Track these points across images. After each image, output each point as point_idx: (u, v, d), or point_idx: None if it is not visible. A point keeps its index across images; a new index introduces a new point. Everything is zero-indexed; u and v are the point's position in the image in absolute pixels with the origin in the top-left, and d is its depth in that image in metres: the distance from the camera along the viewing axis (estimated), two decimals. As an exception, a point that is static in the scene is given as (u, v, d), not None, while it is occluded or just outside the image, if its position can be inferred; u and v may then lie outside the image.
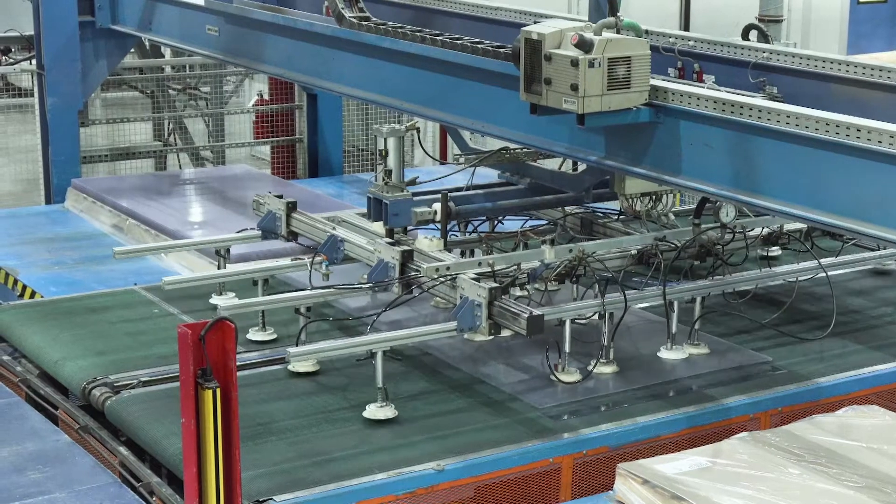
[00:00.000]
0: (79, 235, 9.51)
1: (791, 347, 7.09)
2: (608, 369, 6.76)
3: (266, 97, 13.11)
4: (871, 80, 6.68)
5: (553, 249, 6.96)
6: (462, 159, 8.17)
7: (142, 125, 12.70)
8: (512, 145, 7.67)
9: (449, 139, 12.88)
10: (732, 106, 5.58)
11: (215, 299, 7.56)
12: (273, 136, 12.40)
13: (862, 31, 18.61)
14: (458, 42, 6.86)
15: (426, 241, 7.14)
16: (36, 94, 10.81)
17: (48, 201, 10.65)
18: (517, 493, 5.77)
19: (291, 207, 7.79)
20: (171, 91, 12.99)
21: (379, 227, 7.34)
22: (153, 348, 6.91)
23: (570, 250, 6.97)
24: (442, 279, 6.65)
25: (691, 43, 7.53)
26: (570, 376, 6.65)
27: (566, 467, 5.86)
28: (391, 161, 7.26)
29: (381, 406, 6.20)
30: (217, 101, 13.08)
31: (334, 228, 7.46)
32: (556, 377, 6.63)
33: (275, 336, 7.13)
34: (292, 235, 7.81)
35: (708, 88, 6.50)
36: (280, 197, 7.85)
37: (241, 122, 14.48)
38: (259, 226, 7.96)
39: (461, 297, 6.46)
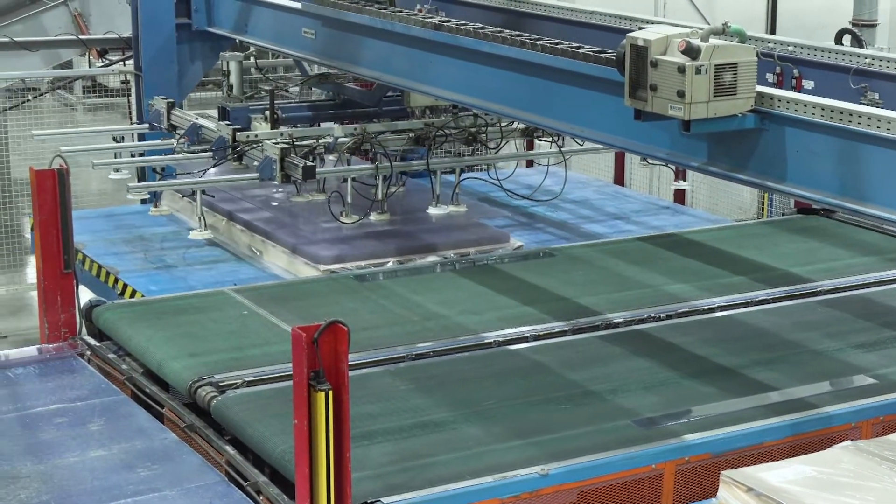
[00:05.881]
0: (175, 235, 9.65)
1: (884, 356, 7.05)
2: (382, 217, 9.50)
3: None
4: (977, 87, 6.63)
5: (341, 127, 9.61)
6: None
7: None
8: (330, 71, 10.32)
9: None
10: (840, 113, 5.55)
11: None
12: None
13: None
14: (559, 47, 6.88)
15: (257, 124, 9.89)
16: (133, 95, 10.98)
17: (143, 201, 10.79)
18: (620, 499, 5.77)
19: (171, 105, 10.07)
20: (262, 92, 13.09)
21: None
22: (249, 350, 6.97)
23: (355, 129, 9.52)
24: (253, 145, 9.13)
25: (790, 48, 7.49)
26: (350, 219, 9.26)
27: (668, 473, 5.86)
28: (233, 79, 10.40)
29: (201, 231, 9.40)
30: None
31: (196, 118, 9.76)
32: (338, 220, 9.23)
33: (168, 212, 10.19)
34: (171, 127, 10.01)
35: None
36: (164, 98, 10.08)
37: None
38: (147, 119, 10.32)
39: (265, 157, 8.91)
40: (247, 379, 6.51)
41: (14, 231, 12.42)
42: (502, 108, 7.52)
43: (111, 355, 7.14)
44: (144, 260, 9.06)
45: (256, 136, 9.28)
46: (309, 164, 8.73)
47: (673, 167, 11.12)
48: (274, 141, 9.04)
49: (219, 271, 8.83)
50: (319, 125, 10.43)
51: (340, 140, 9.40)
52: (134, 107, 11.04)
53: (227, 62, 10.43)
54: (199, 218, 9.42)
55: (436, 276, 8.30)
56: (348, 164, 9.68)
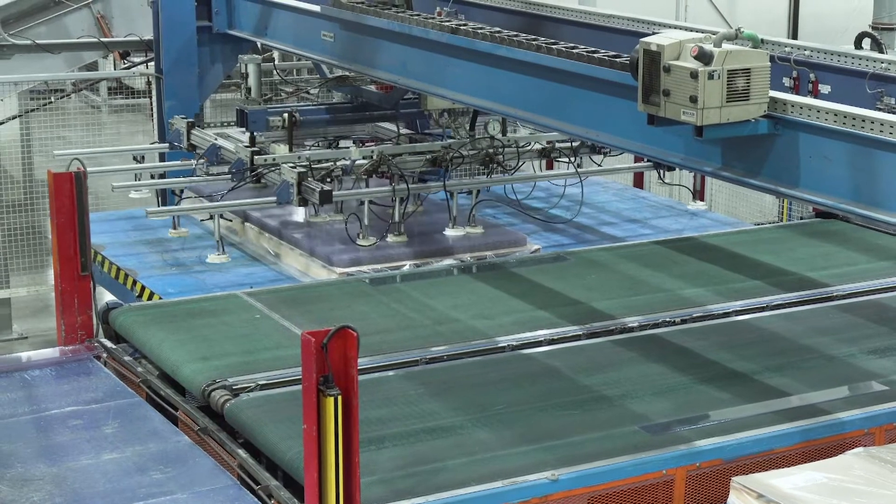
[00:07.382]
0: (194, 237, 9.68)
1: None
2: (399, 239, 9.15)
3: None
4: None
5: (358, 150, 9.44)
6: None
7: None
8: (349, 74, 10.25)
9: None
10: (853, 119, 5.53)
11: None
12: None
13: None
14: (574, 51, 6.88)
15: (276, 147, 9.54)
16: (154, 97, 11.03)
17: (163, 203, 10.82)
18: (630, 505, 5.79)
19: (191, 125, 10.06)
20: (282, 94, 13.14)
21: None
22: (262, 353, 7.01)
23: (373, 151, 9.34)
24: (271, 168, 9.09)
25: (807, 52, 7.46)
26: (367, 241, 8.95)
27: (679, 479, 5.86)
28: (251, 81, 10.45)
29: (219, 254, 9.10)
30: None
31: (216, 139, 9.75)
32: (355, 242, 8.95)
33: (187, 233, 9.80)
34: (191, 147, 10.00)
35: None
36: (184, 118, 10.11)
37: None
38: (167, 139, 10.34)
39: (282, 180, 8.83)
40: (260, 382, 6.55)
41: (37, 232, 12.48)
42: (518, 111, 7.52)
43: (127, 358, 7.18)
44: (163, 262, 9.10)
45: (274, 159, 9.22)
46: (326, 188, 8.67)
47: (690, 188, 11.10)
48: (291, 164, 8.99)
49: (236, 274, 8.86)
50: (338, 143, 10.33)
51: (358, 162, 9.26)
52: (155, 109, 11.07)
53: (246, 65, 10.46)
54: (218, 242, 9.19)
55: (450, 280, 8.32)
56: (366, 185, 9.53)
